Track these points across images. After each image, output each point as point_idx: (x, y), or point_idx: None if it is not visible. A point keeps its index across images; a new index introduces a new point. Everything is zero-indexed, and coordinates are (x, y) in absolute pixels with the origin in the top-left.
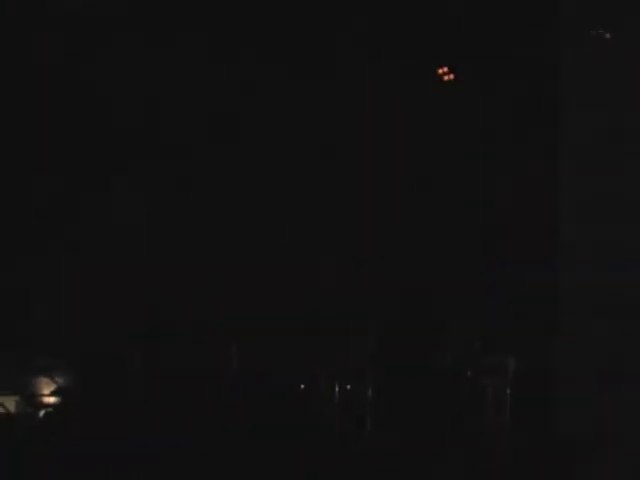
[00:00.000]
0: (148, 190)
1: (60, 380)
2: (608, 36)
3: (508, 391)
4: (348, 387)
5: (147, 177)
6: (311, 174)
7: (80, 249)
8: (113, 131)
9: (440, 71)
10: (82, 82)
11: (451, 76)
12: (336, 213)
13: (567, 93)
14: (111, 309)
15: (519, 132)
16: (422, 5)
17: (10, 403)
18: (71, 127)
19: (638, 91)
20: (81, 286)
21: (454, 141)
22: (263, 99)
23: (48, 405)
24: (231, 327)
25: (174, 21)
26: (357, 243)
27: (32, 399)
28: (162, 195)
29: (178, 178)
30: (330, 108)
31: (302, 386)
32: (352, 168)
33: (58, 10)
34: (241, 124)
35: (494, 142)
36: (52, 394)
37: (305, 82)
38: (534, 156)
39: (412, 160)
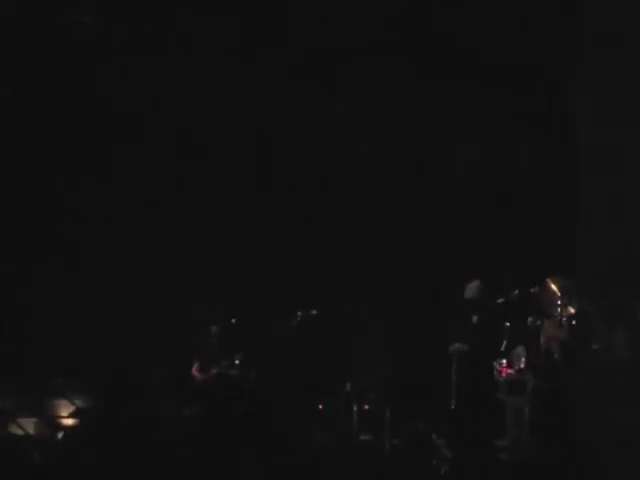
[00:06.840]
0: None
1: (78, 402)
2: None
3: (527, 408)
4: (366, 407)
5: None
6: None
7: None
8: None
9: None
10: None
11: None
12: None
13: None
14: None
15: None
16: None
17: (29, 425)
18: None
19: None
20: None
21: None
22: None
23: (67, 427)
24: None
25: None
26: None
27: (51, 421)
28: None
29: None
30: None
31: (320, 406)
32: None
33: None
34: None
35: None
36: (71, 416)
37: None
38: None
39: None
